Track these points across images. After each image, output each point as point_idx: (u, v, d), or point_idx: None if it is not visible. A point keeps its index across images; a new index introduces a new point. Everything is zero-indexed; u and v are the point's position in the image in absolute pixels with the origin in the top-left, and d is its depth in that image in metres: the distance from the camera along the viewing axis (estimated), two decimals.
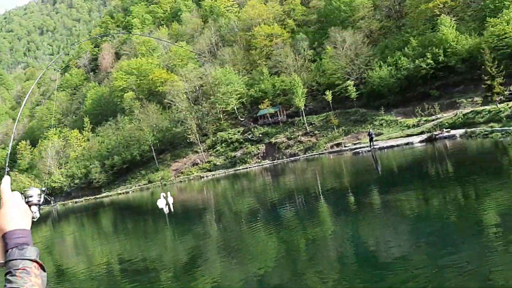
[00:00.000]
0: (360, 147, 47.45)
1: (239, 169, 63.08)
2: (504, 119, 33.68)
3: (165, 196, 30.46)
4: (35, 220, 1.48)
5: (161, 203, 29.22)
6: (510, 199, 10.33)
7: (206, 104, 78.79)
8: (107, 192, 72.83)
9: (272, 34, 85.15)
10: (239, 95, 76.72)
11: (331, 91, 66.25)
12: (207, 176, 63.25)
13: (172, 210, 26.71)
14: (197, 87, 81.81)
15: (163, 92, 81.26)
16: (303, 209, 16.40)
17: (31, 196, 1.51)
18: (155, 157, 73.16)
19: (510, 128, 26.95)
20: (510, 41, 51.06)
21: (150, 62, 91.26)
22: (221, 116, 78.01)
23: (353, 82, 65.75)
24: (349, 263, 8.15)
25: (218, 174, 63.33)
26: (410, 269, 6.86)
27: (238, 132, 73.74)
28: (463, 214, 10.01)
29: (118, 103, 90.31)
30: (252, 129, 72.20)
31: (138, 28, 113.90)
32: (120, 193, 68.16)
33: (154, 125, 76.39)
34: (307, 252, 9.78)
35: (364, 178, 23.07)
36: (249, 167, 62.91)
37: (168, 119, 78.89)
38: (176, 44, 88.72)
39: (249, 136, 71.37)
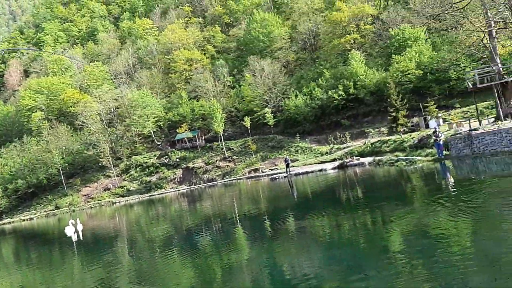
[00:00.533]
0: (277, 173, 48.44)
1: (154, 195, 61.33)
2: (408, 148, 36.40)
3: (73, 223, 28.60)
4: None
5: (69, 231, 27.37)
6: (413, 225, 11.01)
7: (121, 127, 76.14)
8: (9, 219, 66.74)
9: (192, 59, 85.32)
10: (156, 118, 75.26)
11: (249, 117, 67.49)
12: (119, 202, 60.59)
13: (81, 237, 25.07)
14: (112, 109, 78.90)
15: (75, 113, 77.10)
16: (220, 236, 16.20)
17: None
18: (63, 181, 68.70)
19: (413, 157, 29.10)
20: (412, 77, 55.80)
21: (62, 82, 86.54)
22: (137, 139, 75.77)
23: (270, 109, 67.61)
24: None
25: (132, 199, 61.01)
26: None
27: (154, 156, 71.93)
28: (372, 239, 10.47)
29: (25, 123, 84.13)
30: (169, 153, 70.84)
31: (51, 46, 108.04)
32: (24, 220, 62.82)
33: (64, 147, 71.93)
34: (222, 280, 9.58)
35: (281, 203, 23.46)
36: (165, 193, 61.42)
37: (79, 142, 74.74)
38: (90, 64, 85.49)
39: (165, 161, 69.85)
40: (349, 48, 68.14)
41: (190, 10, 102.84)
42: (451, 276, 6.72)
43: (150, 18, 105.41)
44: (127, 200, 60.99)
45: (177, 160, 69.22)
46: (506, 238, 8.22)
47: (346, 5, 72.62)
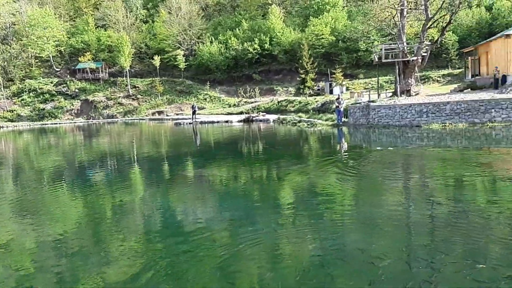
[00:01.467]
0: (182, 118, 47.91)
1: (47, 124, 57.41)
2: (311, 111, 37.99)
3: None
4: None
5: None
6: (304, 183, 11.67)
7: (16, 46, 68.86)
8: None
9: None
10: (57, 42, 69.13)
11: (160, 57, 65.06)
12: (7, 127, 55.80)
13: None
14: (8, 25, 70.81)
15: None
16: (114, 174, 15.74)
17: None
18: None
19: (315, 120, 30.46)
20: (325, 42, 57.51)
21: None
22: (33, 62, 69.37)
23: (183, 52, 65.68)
24: (153, 230, 8.10)
25: (22, 126, 56.51)
26: (213, 242, 7.15)
27: (51, 82, 66.71)
28: (264, 193, 10.92)
29: None
30: (68, 82, 66.12)
31: None
32: None
33: None
34: (112, 218, 9.40)
35: (182, 149, 23.33)
36: (59, 123, 57.78)
37: None
38: None
39: (63, 89, 65.20)
40: (270, 3, 67.85)
41: None
42: (330, 231, 7.27)
43: None
44: (15, 126, 56.36)
45: (76, 90, 65.01)
46: (383, 203, 9.05)
47: None
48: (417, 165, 13.80)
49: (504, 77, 29.51)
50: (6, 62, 67.07)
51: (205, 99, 60.77)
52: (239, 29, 65.15)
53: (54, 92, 64.84)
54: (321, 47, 57.71)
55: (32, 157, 24.45)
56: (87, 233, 8.32)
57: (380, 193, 10.03)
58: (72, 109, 63.27)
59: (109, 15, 71.23)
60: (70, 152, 25.42)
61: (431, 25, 31.62)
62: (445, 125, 21.58)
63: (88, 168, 17.67)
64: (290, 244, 6.83)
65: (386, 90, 40.67)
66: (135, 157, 20.62)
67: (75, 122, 58.13)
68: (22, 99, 64.12)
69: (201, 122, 41.44)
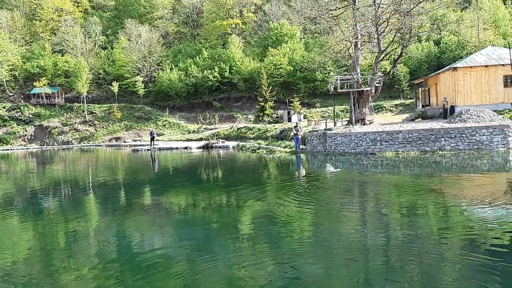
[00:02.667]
0: (140, 145, 47.16)
1: None
2: (270, 138, 38.43)
3: None
4: None
5: None
6: (263, 210, 11.71)
7: None
8: None
9: (62, 9, 77.81)
10: (11, 67, 67.08)
11: (118, 83, 64.29)
12: None
13: None
14: None
15: None
16: (68, 202, 15.22)
17: None
18: None
19: (273, 147, 30.79)
20: (283, 72, 58.81)
21: None
22: None
23: (142, 78, 65.26)
24: (107, 259, 7.86)
25: None
26: (170, 270, 7.02)
27: (4, 108, 64.32)
28: (224, 221, 10.87)
29: None
30: (22, 107, 63.95)
31: None
32: None
33: None
34: (65, 247, 9.06)
35: (139, 176, 22.92)
36: (11, 149, 55.45)
37: None
38: None
39: (16, 114, 62.96)
40: (230, 32, 69.00)
41: None
42: (289, 259, 7.32)
43: None
44: None
45: (30, 116, 62.93)
46: (341, 230, 9.23)
47: None
48: (372, 191, 14.20)
49: (453, 108, 31.12)
50: None
51: (164, 125, 60.26)
52: (199, 57, 65.64)
53: (6, 117, 62.46)
54: (279, 76, 58.95)
55: None
56: (38, 264, 7.98)
57: (337, 220, 10.23)
58: (26, 134, 61.03)
59: (67, 40, 70.07)
60: (21, 179, 24.41)
61: (383, 57, 33.11)
62: (398, 153, 22.39)
63: (40, 195, 17.01)
64: (248, 272, 6.82)
65: (342, 118, 41.83)
66: (90, 184, 20.04)
67: (28, 148, 55.99)
68: None
69: (160, 149, 40.94)
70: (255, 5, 73.26)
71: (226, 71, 62.20)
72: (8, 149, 55.51)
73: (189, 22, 78.24)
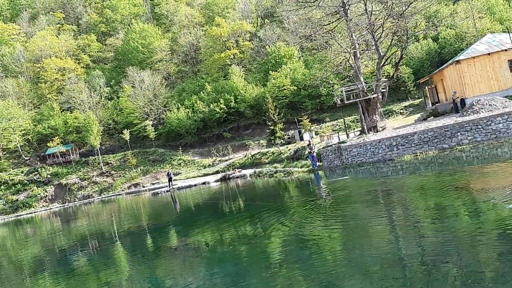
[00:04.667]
0: (159, 187, 47.36)
1: (22, 215, 55.60)
2: (285, 160, 38.27)
3: None
4: None
5: None
6: (291, 234, 11.58)
7: None
8: None
9: (64, 68, 79.78)
10: (23, 132, 68.50)
11: (129, 130, 65.14)
12: None
13: None
14: None
15: None
16: (97, 255, 15.26)
17: None
18: None
19: (290, 168, 30.67)
20: (288, 93, 59.10)
21: None
22: (1, 154, 68.07)
23: (151, 122, 66.06)
24: None
25: None
26: None
27: (22, 172, 65.34)
28: (253, 251, 10.76)
29: None
30: (39, 169, 64.95)
31: None
32: None
33: None
34: None
35: (163, 219, 22.94)
36: (35, 212, 56.09)
37: None
38: None
39: (35, 177, 63.86)
40: (229, 63, 69.87)
41: (63, 17, 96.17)
42: (326, 283, 7.18)
43: (16, 23, 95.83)
44: None
45: (48, 176, 63.77)
46: (372, 243, 9.06)
47: (225, 21, 74.43)
48: (397, 198, 13.97)
49: (463, 101, 30.80)
50: None
51: (180, 164, 60.56)
52: (203, 92, 66.42)
53: (25, 181, 63.44)
54: (284, 97, 59.23)
55: (10, 252, 23.50)
56: None
57: (367, 233, 10.06)
58: (46, 195, 61.77)
59: (73, 97, 71.58)
60: (48, 239, 24.59)
61: (384, 62, 33.12)
62: (416, 155, 22.11)
63: (69, 253, 17.09)
64: None
65: (354, 129, 41.62)
66: (116, 234, 20.10)
67: (50, 208, 56.59)
68: None
69: (179, 188, 41.06)
70: (250, 32, 74.35)
71: (232, 101, 62.73)
72: (31, 212, 56.15)
73: (188, 60, 79.53)
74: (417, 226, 9.80)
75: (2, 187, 63.00)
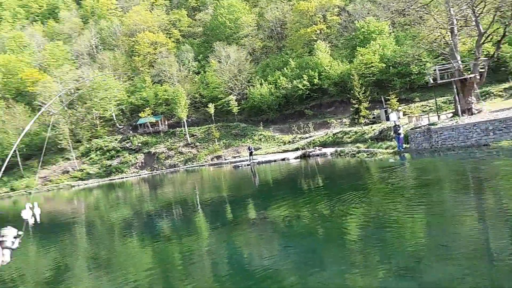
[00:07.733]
0: (240, 161, 48.44)
1: (115, 179, 60.09)
2: (369, 140, 37.12)
3: (31, 207, 27.55)
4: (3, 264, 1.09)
5: (26, 214, 26.34)
6: (370, 216, 11.23)
7: (81, 109, 73.69)
8: None
9: (156, 42, 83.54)
10: (118, 102, 73.53)
11: (213, 104, 67.05)
12: (78, 185, 59.01)
13: (39, 221, 24.21)
14: (73, 90, 76.11)
15: (33, 93, 73.79)
16: (180, 222, 16.04)
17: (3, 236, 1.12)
18: (20, 163, 65.90)
19: (374, 149, 29.68)
20: (375, 70, 56.86)
21: (20, 60, 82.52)
22: (98, 122, 73.77)
23: (235, 97, 67.36)
24: (222, 275, 8.07)
25: (91, 183, 59.51)
26: (281, 283, 6.98)
27: (116, 140, 70.38)
28: (330, 230, 10.61)
29: None
30: (131, 138, 69.48)
31: (9, 22, 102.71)
32: None
33: (21, 128, 68.91)
34: (182, 265, 9.52)
35: (242, 191, 23.47)
36: (126, 177, 60.30)
37: (37, 122, 71.77)
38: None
39: (127, 145, 68.50)
40: (315, 39, 68.57)
41: None
42: (406, 267, 6.88)
43: None
44: (86, 184, 59.52)
45: (139, 144, 68.05)
46: (458, 230, 8.50)
47: None
48: (489, 186, 12.92)
49: None
50: (73, 125, 71.91)
51: (260, 139, 61.36)
52: (287, 68, 66.10)
53: (119, 148, 68.33)
54: (371, 75, 57.06)
55: (103, 212, 25.57)
56: (160, 281, 8.46)
57: (454, 222, 9.44)
58: (137, 162, 66.07)
59: (164, 71, 75.04)
60: (137, 204, 26.34)
61: (485, 40, 30.39)
62: None
63: (155, 218, 18.15)
64: (361, 280, 6.52)
65: (446, 111, 39.10)
66: (198, 203, 20.96)
67: (140, 175, 60.51)
68: (90, 158, 68.01)
69: (259, 163, 41.65)
70: (338, 7, 72.10)
71: (315, 78, 61.76)
72: (123, 177, 60.48)
73: (274, 35, 79.32)
74: (508, 215, 9.01)
75: (98, 152, 68.41)
